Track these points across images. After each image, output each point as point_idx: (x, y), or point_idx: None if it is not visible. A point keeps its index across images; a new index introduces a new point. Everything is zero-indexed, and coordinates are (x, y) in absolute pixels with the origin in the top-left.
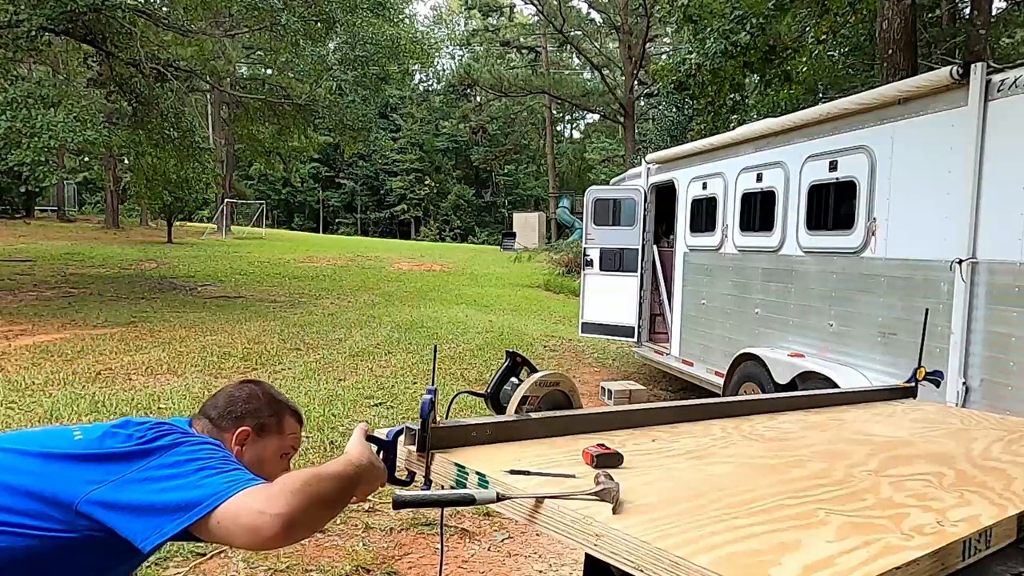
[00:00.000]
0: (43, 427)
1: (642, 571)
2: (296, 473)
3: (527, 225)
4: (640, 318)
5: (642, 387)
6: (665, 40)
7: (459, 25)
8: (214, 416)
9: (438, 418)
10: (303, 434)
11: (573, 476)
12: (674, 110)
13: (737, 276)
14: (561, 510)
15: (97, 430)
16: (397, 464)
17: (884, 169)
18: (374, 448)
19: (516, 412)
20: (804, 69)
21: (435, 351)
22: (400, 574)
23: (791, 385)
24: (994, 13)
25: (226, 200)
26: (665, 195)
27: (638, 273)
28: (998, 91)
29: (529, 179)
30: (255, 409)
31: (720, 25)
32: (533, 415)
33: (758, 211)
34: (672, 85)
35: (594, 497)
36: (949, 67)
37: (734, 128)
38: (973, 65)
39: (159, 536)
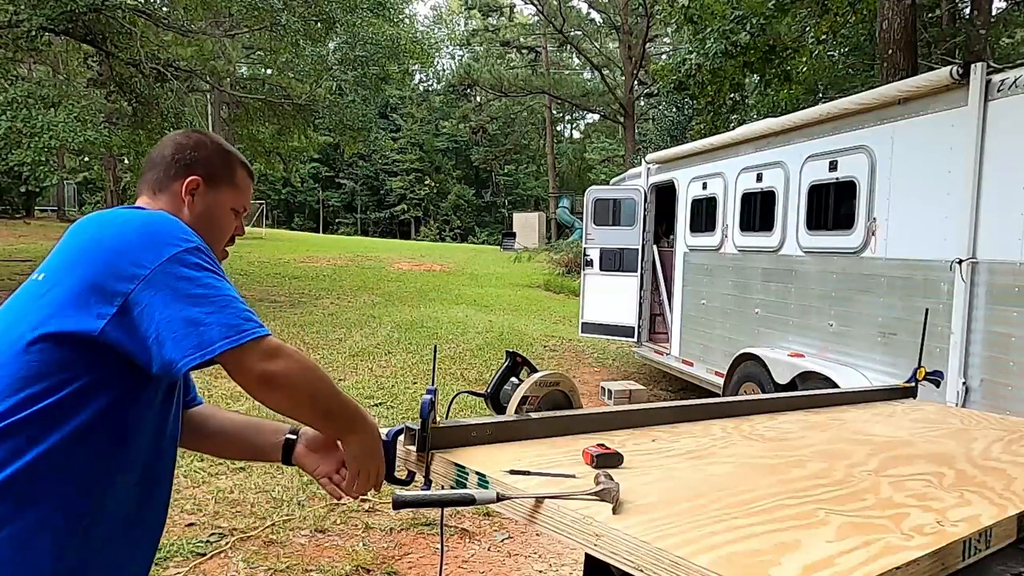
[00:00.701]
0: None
1: (642, 571)
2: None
3: (527, 225)
4: (640, 318)
5: (642, 387)
6: (665, 40)
7: (459, 25)
8: (159, 164)
9: (438, 418)
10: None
11: (573, 476)
12: (674, 110)
13: (737, 276)
14: (561, 510)
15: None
16: (396, 464)
17: (884, 169)
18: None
19: (516, 412)
20: (804, 69)
21: (435, 351)
22: (400, 574)
23: (791, 385)
24: (994, 13)
25: None
26: (665, 195)
27: (638, 273)
28: (998, 91)
29: (529, 179)
30: (204, 157)
31: (720, 25)
32: (533, 415)
33: (758, 211)
34: (672, 85)
35: (594, 497)
36: (949, 67)
37: (734, 128)
38: (973, 65)
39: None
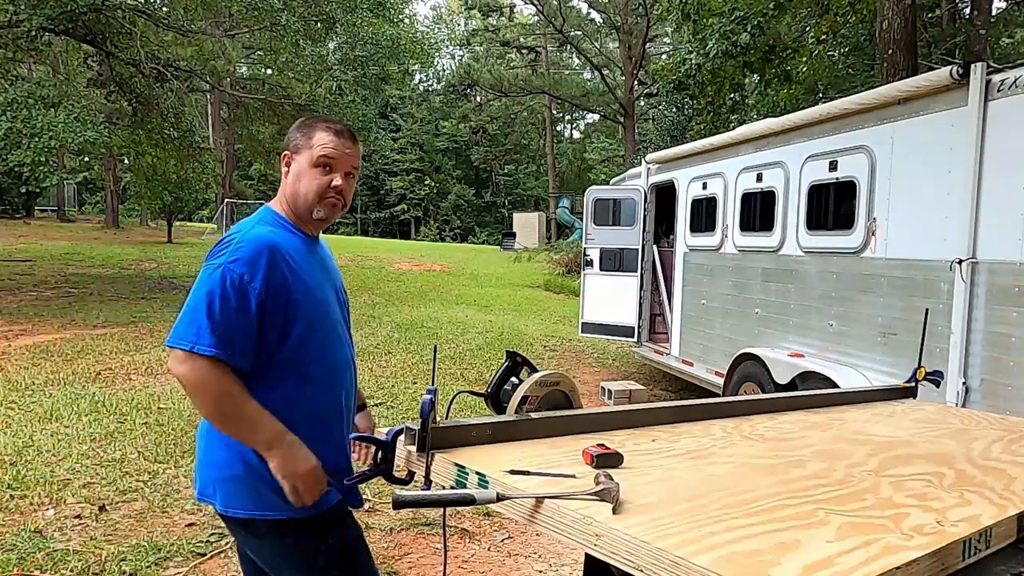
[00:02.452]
0: None
1: (642, 571)
2: (241, 392)
3: (527, 225)
4: (640, 318)
5: (642, 387)
6: (665, 40)
7: (459, 25)
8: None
9: (438, 418)
10: None
11: (573, 476)
12: (674, 110)
13: (737, 276)
14: (561, 510)
15: None
16: (396, 464)
17: (884, 169)
18: (368, 448)
19: (516, 412)
20: (804, 69)
21: (435, 351)
22: (400, 574)
23: (791, 385)
24: (994, 13)
25: (226, 200)
26: (665, 195)
27: (638, 273)
28: (998, 91)
29: (529, 179)
30: (291, 135)
31: (720, 25)
32: (533, 415)
33: (758, 211)
34: (672, 85)
35: (594, 497)
36: (949, 67)
37: (734, 128)
38: (973, 65)
39: None
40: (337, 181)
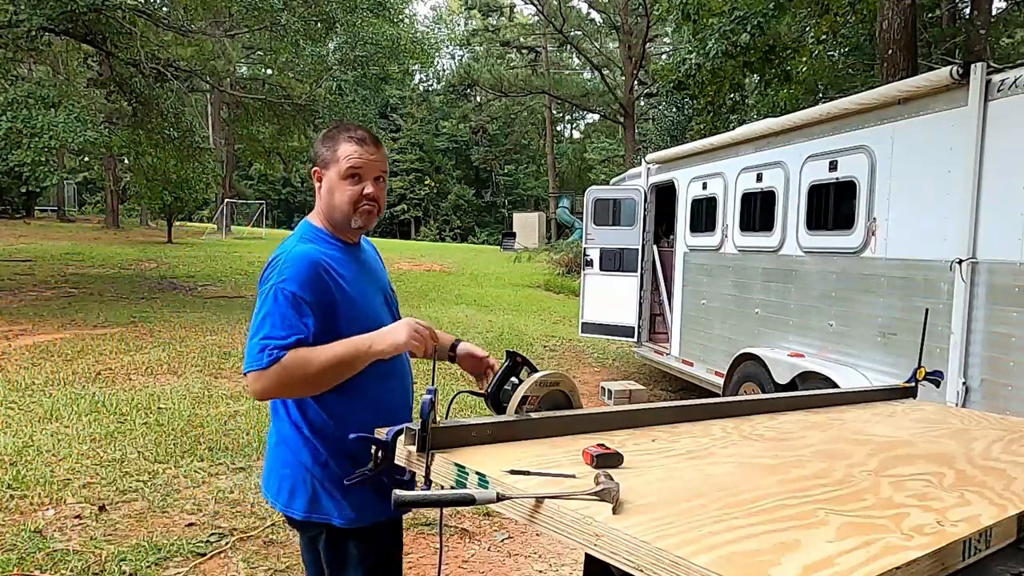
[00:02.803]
0: None
1: (642, 571)
2: (321, 348)
3: (527, 225)
4: (640, 318)
5: (642, 387)
6: (665, 40)
7: (459, 25)
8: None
9: (438, 418)
10: None
11: (573, 476)
12: (674, 110)
13: (737, 276)
14: (561, 510)
15: None
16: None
17: (884, 169)
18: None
19: (516, 412)
20: (804, 69)
21: (435, 351)
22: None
23: (791, 385)
24: (994, 13)
25: (226, 200)
26: (665, 195)
27: (638, 273)
28: (998, 91)
29: (529, 179)
30: (317, 150)
31: (720, 25)
32: (533, 415)
33: (758, 211)
34: (672, 85)
35: (594, 497)
36: (949, 67)
37: (734, 128)
38: (973, 65)
39: None
40: (369, 188)
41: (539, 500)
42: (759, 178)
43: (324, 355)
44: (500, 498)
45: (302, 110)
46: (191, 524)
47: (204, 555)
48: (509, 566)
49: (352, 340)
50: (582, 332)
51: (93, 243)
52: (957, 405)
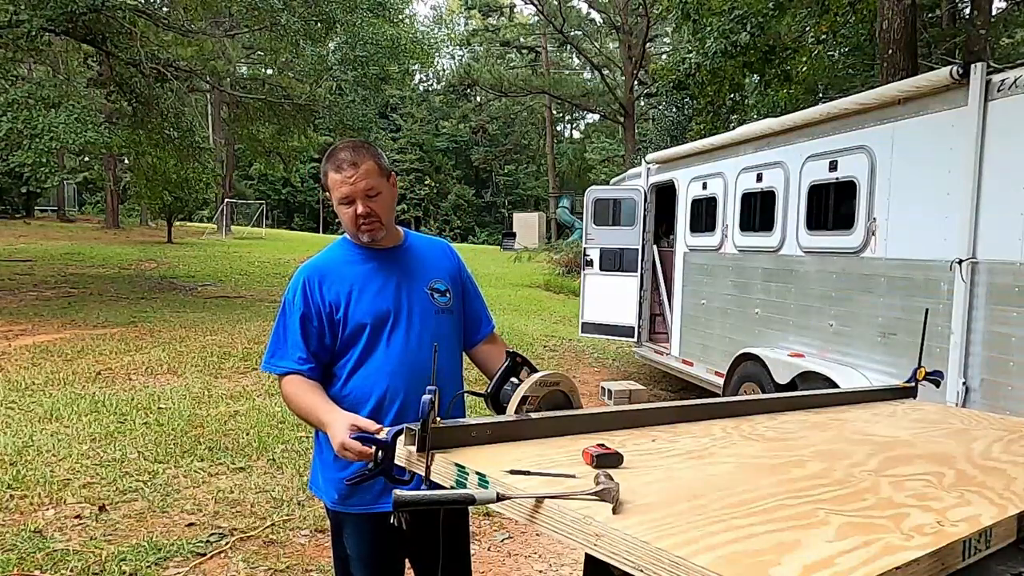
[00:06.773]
0: None
1: (642, 571)
2: (304, 390)
3: (527, 225)
4: (640, 318)
5: (642, 387)
6: (665, 40)
7: (459, 25)
8: None
9: (438, 418)
10: None
11: (573, 476)
12: (674, 110)
13: (737, 276)
14: (561, 510)
15: None
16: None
17: (884, 169)
18: (371, 448)
19: (516, 412)
20: (804, 69)
21: (435, 351)
22: None
23: (791, 385)
24: (994, 13)
25: (226, 200)
26: (665, 195)
27: (638, 273)
28: (998, 91)
29: (529, 179)
30: (321, 173)
31: (720, 24)
32: (533, 415)
33: (758, 211)
34: (672, 85)
35: (594, 497)
36: (949, 67)
37: (734, 128)
38: (973, 65)
39: None
40: (360, 209)
41: (539, 500)
42: (759, 178)
43: (298, 401)
44: (500, 498)
45: (302, 110)
46: (191, 524)
47: (204, 555)
48: (509, 566)
49: (319, 407)
50: (582, 332)
51: (93, 243)
52: (957, 405)
